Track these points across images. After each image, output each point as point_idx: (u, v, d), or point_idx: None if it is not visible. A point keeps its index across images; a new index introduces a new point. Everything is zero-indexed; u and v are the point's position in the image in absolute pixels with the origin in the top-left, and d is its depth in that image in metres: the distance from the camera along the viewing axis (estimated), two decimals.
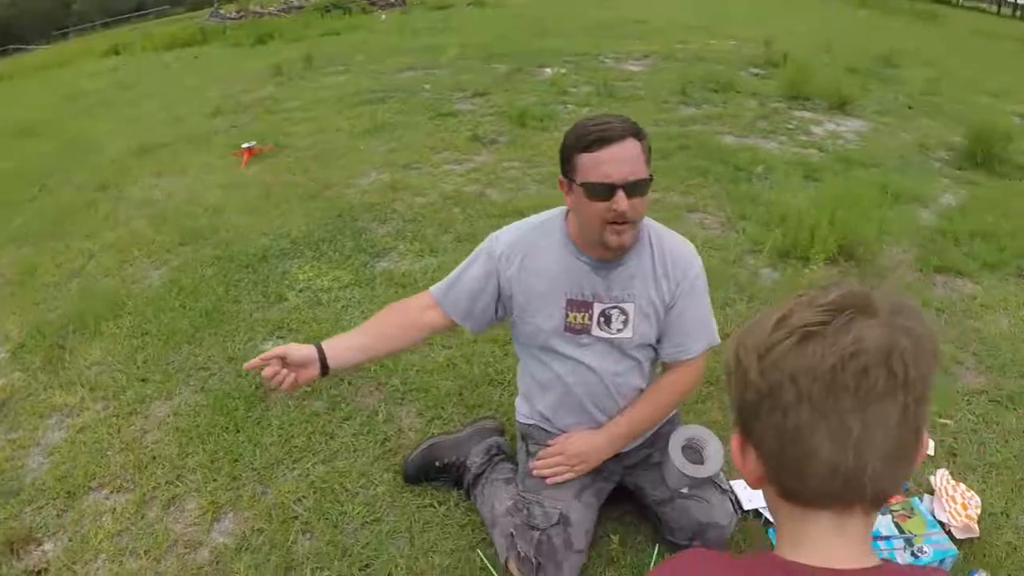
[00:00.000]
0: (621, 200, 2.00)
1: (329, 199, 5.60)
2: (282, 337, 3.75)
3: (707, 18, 17.16)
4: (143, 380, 3.47)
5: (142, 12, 51.38)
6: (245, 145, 6.87)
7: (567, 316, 2.25)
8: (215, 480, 2.80)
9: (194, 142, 7.68)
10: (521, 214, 4.98)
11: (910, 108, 9.05)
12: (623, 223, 2.05)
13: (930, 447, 2.98)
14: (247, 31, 18.77)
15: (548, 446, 2.41)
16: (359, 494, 2.73)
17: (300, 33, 17.88)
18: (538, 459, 2.41)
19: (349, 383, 3.34)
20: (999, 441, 3.04)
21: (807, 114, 8.28)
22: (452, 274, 2.36)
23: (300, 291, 4.17)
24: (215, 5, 32.72)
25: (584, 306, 2.24)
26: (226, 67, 13.47)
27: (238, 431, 3.05)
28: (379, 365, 3.43)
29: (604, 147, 1.99)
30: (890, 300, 0.84)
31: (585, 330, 2.26)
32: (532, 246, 2.26)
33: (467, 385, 3.30)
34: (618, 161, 1.99)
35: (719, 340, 2.40)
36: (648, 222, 2.24)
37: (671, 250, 2.27)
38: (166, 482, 2.82)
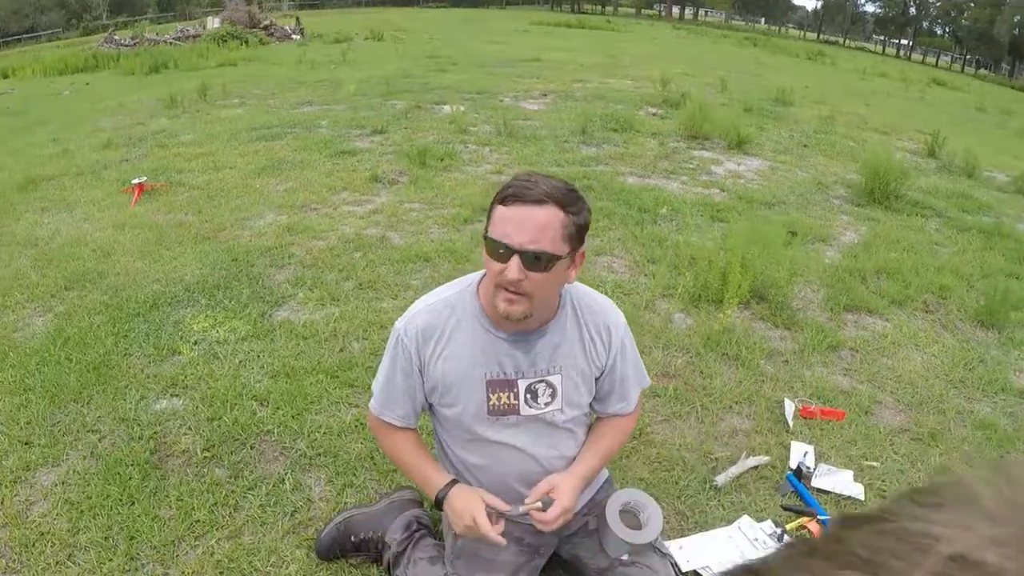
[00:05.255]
0: (512, 268, 1.75)
1: (223, 242, 5.23)
2: (176, 395, 3.42)
3: (599, 56, 17.38)
4: (27, 444, 3.08)
5: (33, 34, 49.20)
6: (136, 181, 6.42)
7: (489, 399, 2.00)
8: (111, 560, 2.48)
9: (83, 176, 7.12)
10: (425, 259, 4.85)
11: (805, 146, 9.30)
12: (515, 293, 1.81)
13: (860, 492, 2.97)
14: (142, 59, 17.89)
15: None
16: (270, 573, 2.45)
17: (195, 63, 17.25)
18: (530, 510, 2.02)
19: (251, 447, 3.04)
20: (925, 480, 3.01)
21: (707, 154, 8.36)
22: (380, 380, 2.12)
23: (195, 343, 3.84)
24: (110, 30, 31.56)
25: (507, 385, 1.99)
26: (119, 96, 12.75)
27: (133, 503, 2.73)
28: (282, 426, 3.16)
29: (515, 205, 1.75)
30: None
31: (512, 410, 2.02)
32: (445, 327, 2.00)
33: (378, 448, 2.94)
34: (522, 225, 1.74)
35: (649, 380, 2.29)
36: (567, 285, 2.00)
37: (596, 313, 2.08)
38: (56, 562, 2.48)
